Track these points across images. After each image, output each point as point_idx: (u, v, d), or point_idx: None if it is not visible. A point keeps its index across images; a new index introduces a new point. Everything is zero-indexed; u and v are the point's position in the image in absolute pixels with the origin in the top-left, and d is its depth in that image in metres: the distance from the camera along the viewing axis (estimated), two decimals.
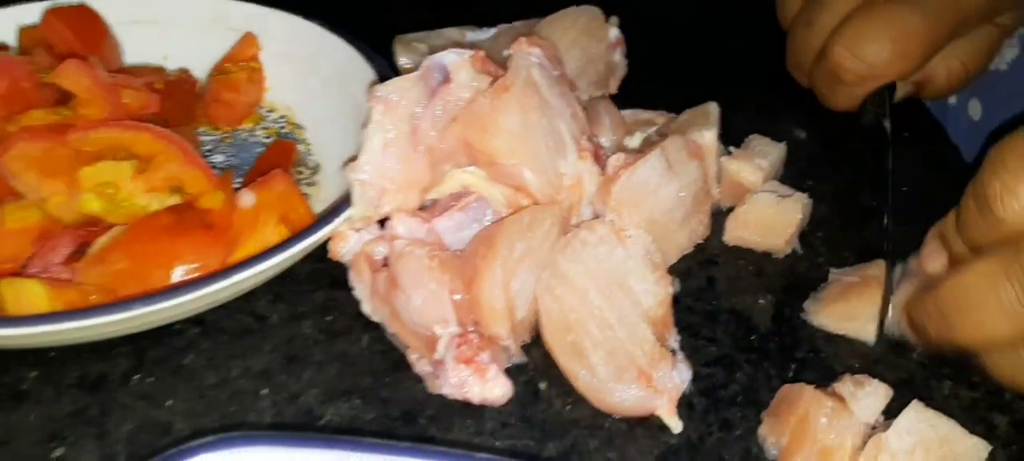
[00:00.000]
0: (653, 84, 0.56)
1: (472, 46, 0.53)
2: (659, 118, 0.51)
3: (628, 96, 0.53)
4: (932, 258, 0.41)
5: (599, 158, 0.44)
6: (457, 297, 0.37)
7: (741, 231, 0.46)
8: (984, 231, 0.37)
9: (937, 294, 0.38)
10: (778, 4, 0.59)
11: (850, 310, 0.42)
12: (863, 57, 0.50)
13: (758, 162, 0.48)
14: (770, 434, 0.36)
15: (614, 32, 0.53)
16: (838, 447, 0.34)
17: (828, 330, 0.42)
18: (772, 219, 0.45)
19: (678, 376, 0.37)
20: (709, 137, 0.46)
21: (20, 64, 0.44)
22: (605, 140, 0.48)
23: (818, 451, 0.34)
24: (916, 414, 0.35)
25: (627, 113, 0.51)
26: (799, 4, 0.56)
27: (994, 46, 0.54)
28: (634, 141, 0.49)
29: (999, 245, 0.36)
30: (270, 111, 0.53)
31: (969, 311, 0.36)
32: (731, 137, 0.50)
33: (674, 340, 0.39)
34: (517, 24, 0.53)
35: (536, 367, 0.39)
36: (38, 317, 0.34)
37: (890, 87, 0.52)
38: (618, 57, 0.54)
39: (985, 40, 0.53)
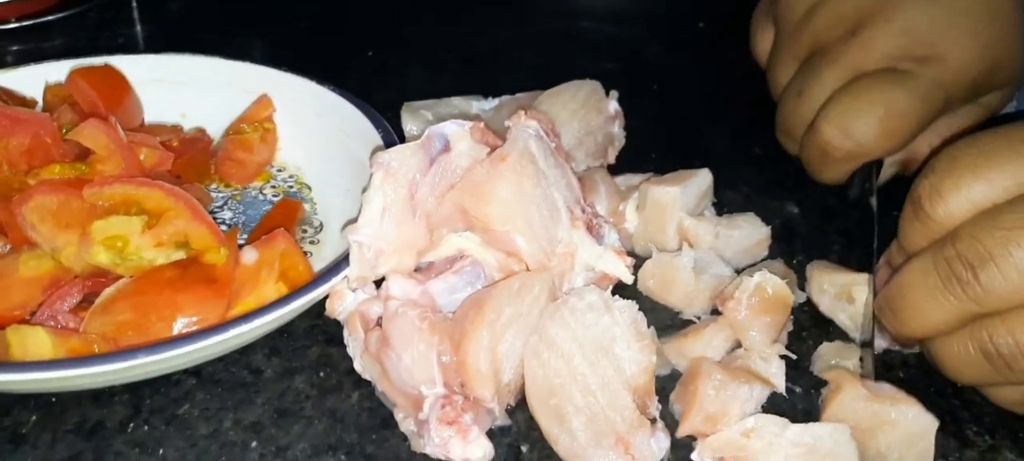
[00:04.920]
0: (651, 156, 0.58)
1: (476, 116, 0.56)
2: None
3: (626, 167, 0.54)
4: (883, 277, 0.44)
5: (592, 227, 0.46)
6: (445, 359, 0.39)
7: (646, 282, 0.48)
8: (920, 232, 0.40)
9: (885, 293, 0.41)
10: (768, 74, 0.60)
11: None
12: (851, 135, 0.50)
13: (718, 229, 0.48)
14: (676, 402, 0.41)
15: (613, 106, 0.55)
16: (722, 414, 0.38)
17: None
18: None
19: (656, 444, 0.38)
20: (670, 194, 0.48)
21: (43, 120, 0.46)
22: (601, 208, 0.50)
23: (704, 417, 0.39)
24: (836, 432, 0.37)
25: (620, 179, 0.52)
26: (789, 74, 0.57)
27: (979, 125, 0.55)
28: (629, 206, 0.51)
29: (930, 244, 0.40)
30: (280, 170, 0.56)
31: (907, 305, 0.40)
32: (727, 210, 0.52)
33: (655, 408, 0.39)
34: (520, 96, 0.55)
35: (519, 430, 0.39)
36: (41, 363, 0.36)
37: (877, 163, 0.52)
38: (617, 129, 0.55)
39: (970, 118, 0.54)
